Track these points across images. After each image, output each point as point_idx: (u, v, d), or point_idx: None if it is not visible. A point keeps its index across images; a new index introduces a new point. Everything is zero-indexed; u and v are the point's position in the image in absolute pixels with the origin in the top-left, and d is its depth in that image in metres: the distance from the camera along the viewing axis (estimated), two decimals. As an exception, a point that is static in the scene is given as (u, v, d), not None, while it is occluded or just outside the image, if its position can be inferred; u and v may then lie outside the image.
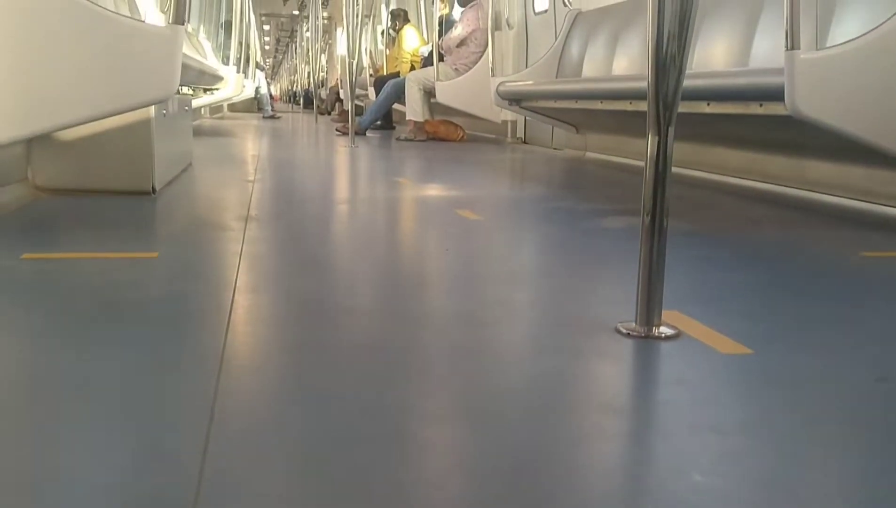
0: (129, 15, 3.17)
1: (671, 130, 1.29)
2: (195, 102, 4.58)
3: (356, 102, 8.69)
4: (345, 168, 4.49)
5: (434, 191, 3.32)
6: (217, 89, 5.64)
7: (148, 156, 2.78)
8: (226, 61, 7.47)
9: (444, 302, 1.48)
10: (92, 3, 1.94)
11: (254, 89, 10.64)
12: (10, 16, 1.87)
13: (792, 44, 2.18)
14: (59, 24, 1.91)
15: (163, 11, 3.79)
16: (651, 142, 1.28)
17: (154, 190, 2.82)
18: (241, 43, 7.48)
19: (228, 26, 8.16)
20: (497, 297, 1.51)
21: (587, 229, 2.37)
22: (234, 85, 5.63)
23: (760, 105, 2.57)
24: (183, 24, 2.01)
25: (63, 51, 1.92)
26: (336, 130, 7.67)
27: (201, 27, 9.15)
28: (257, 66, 11.46)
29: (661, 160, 1.29)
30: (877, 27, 2.23)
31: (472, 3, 6.76)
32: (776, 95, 2.29)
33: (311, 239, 2.17)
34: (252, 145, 5.94)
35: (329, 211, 2.70)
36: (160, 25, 2.00)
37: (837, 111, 2.25)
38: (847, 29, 2.58)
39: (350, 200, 3.06)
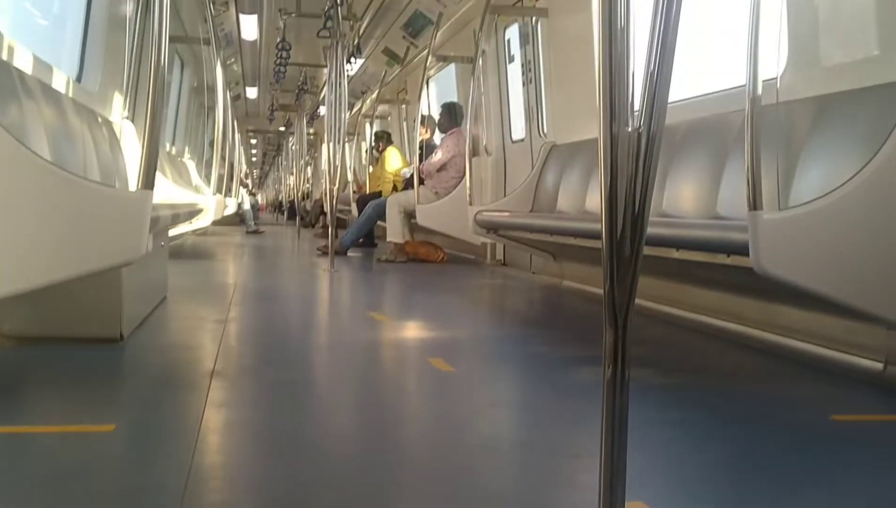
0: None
1: (627, 325, 1.27)
2: (173, 231, 4.60)
3: (339, 214, 8.83)
4: (321, 301, 4.48)
5: (408, 331, 3.30)
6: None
7: (116, 303, 2.75)
8: (209, 180, 7.58)
9: (406, 477, 1.44)
10: (60, 167, 1.96)
11: (236, 206, 10.73)
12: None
13: (754, 204, 2.22)
14: (28, 187, 1.92)
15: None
16: (607, 339, 1.27)
17: (122, 337, 2.78)
18: (223, 159, 7.60)
19: (213, 144, 8.34)
20: (459, 486, 1.47)
21: (561, 385, 2.34)
22: (215, 210, 5.68)
23: (728, 256, 2.60)
24: (152, 189, 2.03)
25: (31, 214, 1.93)
26: (317, 249, 7.71)
27: (186, 148, 9.33)
28: (241, 183, 11.60)
29: (619, 359, 1.28)
30: (839, 186, 2.28)
31: (453, 130, 6.94)
32: (742, 250, 2.32)
33: (276, 405, 2.11)
34: (232, 270, 5.95)
35: (297, 365, 2.64)
36: (130, 190, 2.01)
37: (803, 270, 2.27)
38: (809, 185, 2.64)
39: (321, 346, 3.03)
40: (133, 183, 4.13)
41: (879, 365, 2.49)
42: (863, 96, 2.61)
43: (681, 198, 3.42)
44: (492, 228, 5.01)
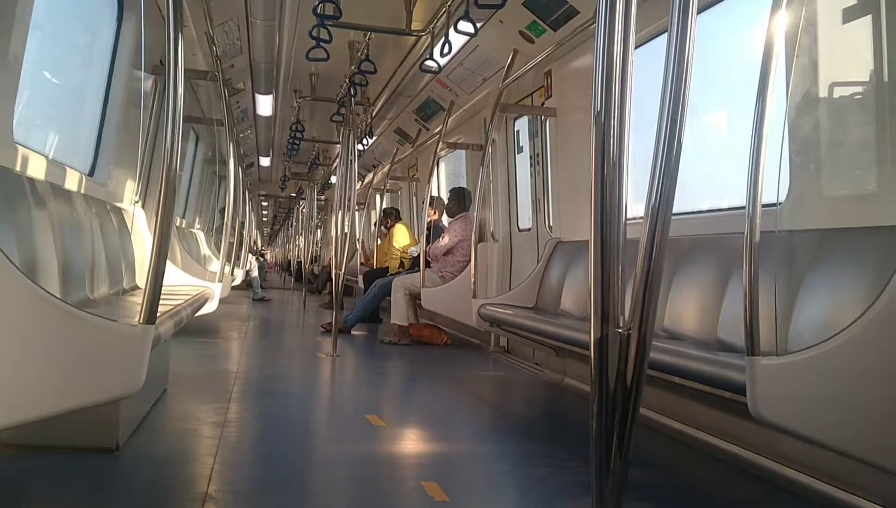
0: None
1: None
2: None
3: (346, 282, 8.85)
4: (320, 397, 4.47)
5: (405, 443, 3.28)
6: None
7: (113, 412, 2.76)
8: (219, 249, 7.63)
9: None
10: (67, 304, 1.98)
11: (244, 275, 10.78)
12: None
13: (752, 349, 2.22)
14: (35, 322, 1.94)
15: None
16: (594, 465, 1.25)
17: (118, 447, 2.78)
18: (233, 229, 7.66)
19: (224, 212, 8.42)
20: None
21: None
22: (221, 290, 5.70)
23: (726, 391, 2.59)
24: (154, 324, 2.05)
25: (36, 348, 1.95)
26: (322, 326, 7.72)
27: (196, 219, 9.43)
28: (250, 251, 11.67)
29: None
30: (839, 332, 2.27)
31: (460, 215, 7.00)
32: (740, 390, 2.31)
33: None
34: (234, 352, 5.95)
35: (291, 488, 2.59)
36: (132, 325, 2.03)
37: (802, 417, 2.26)
38: (808, 322, 2.64)
39: (316, 463, 2.98)
40: (143, 276, 4.17)
41: (879, 510, 2.47)
42: (864, 236, 2.63)
43: (683, 315, 3.42)
44: (495, 323, 5.01)
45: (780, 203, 2.93)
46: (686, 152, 1.48)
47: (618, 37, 1.49)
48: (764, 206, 2.25)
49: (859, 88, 2.81)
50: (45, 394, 1.96)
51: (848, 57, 2.84)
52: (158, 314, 2.10)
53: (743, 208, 2.28)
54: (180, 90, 2.04)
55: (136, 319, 2.06)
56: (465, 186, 7.44)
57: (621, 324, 1.28)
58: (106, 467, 2.61)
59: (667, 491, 2.75)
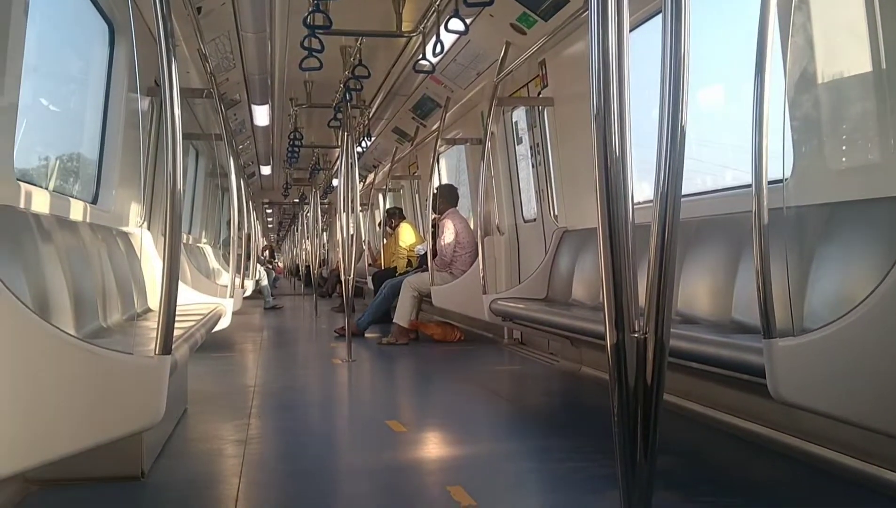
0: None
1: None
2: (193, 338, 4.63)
3: (356, 284, 8.85)
4: (340, 404, 4.48)
5: (427, 447, 3.29)
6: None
7: (137, 441, 2.76)
8: (227, 261, 7.63)
9: None
10: (83, 341, 1.99)
11: (254, 284, 10.80)
12: (6, 356, 1.91)
13: (769, 332, 2.21)
14: (51, 361, 1.95)
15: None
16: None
17: (143, 474, 2.79)
18: (239, 240, 7.66)
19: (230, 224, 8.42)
20: None
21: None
22: (234, 304, 5.72)
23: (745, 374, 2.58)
24: (170, 354, 2.05)
25: (54, 387, 1.95)
26: (335, 331, 7.74)
27: (203, 233, 9.44)
28: (259, 261, 11.69)
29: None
30: (854, 308, 2.26)
31: (447, 212, 7.04)
32: (759, 372, 2.30)
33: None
34: (251, 365, 5.96)
35: (317, 504, 2.62)
36: (148, 356, 2.04)
37: (822, 395, 2.25)
38: (821, 297, 2.63)
39: (341, 475, 2.98)
40: (154, 298, 4.18)
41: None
42: (872, 207, 2.61)
43: (696, 298, 3.40)
44: (507, 317, 5.01)
45: (786, 179, 2.92)
46: (690, 133, 1.45)
47: (611, 21, 1.46)
48: (770, 183, 2.23)
49: (855, 60, 2.79)
50: (64, 433, 1.97)
51: (843, 29, 2.82)
52: (174, 339, 2.11)
53: (749, 186, 2.25)
54: (177, 110, 2.03)
55: (152, 347, 2.07)
56: (452, 183, 7.50)
57: (637, 328, 1.27)
58: (133, 495, 2.62)
59: (692, 477, 2.74)
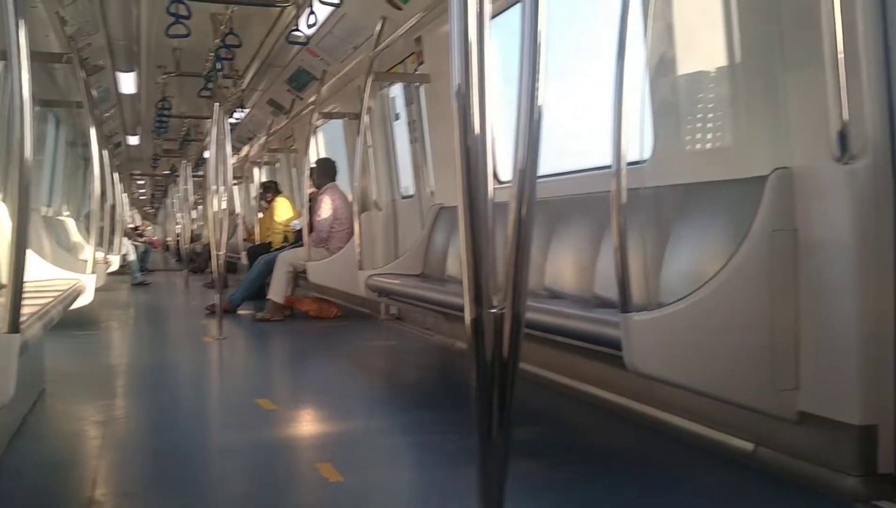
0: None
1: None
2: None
3: (229, 259, 8.62)
4: (210, 382, 4.38)
5: (298, 424, 3.27)
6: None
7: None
8: (89, 235, 7.24)
9: None
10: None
11: (120, 260, 10.34)
12: None
13: (625, 306, 2.32)
14: None
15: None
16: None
17: (-5, 458, 2.65)
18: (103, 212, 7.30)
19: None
20: None
21: (460, 487, 2.37)
22: (96, 280, 5.45)
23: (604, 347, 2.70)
24: (18, 333, 1.94)
25: None
26: (206, 308, 7.53)
27: (64, 205, 8.95)
28: (125, 234, 11.18)
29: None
30: (703, 285, 2.40)
31: (328, 186, 6.98)
32: (616, 345, 2.41)
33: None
34: (117, 341, 5.73)
35: (184, 485, 2.52)
36: (-6, 335, 1.92)
37: (674, 367, 2.39)
38: (677, 273, 2.77)
39: (208, 455, 2.92)
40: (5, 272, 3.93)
41: (750, 446, 2.64)
42: (724, 188, 2.76)
43: (562, 274, 3.52)
44: (383, 293, 5.03)
45: (644, 161, 3.05)
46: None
47: (472, 6, 1.48)
48: (630, 164, 2.33)
49: (713, 47, 2.93)
50: None
51: (701, 18, 2.96)
52: (26, 316, 2.00)
53: (607, 166, 2.33)
54: (25, 74, 1.91)
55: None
56: (329, 157, 7.42)
57: (495, 303, 1.31)
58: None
59: (555, 446, 2.85)
